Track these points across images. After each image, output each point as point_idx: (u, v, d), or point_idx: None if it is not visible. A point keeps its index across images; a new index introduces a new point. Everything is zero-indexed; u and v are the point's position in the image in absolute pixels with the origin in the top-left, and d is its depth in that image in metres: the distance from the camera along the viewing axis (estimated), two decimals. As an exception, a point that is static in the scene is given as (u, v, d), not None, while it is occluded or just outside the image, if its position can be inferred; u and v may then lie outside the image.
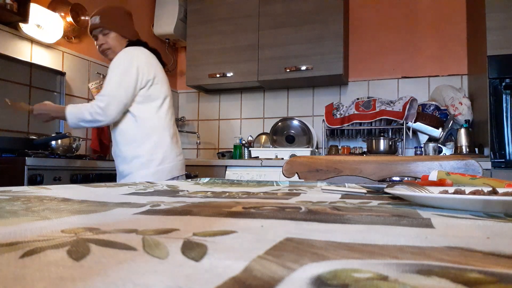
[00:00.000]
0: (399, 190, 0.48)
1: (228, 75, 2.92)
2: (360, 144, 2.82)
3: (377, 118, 2.54)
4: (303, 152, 2.66)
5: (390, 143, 2.51)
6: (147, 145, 1.65)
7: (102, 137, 2.82)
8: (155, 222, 0.30)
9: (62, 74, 2.60)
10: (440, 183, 0.68)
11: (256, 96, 3.22)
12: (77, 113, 1.61)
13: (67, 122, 1.65)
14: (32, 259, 0.18)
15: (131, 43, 1.74)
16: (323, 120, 2.74)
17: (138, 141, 1.65)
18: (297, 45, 2.76)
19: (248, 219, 0.32)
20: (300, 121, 2.85)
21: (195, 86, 3.13)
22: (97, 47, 1.75)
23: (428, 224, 0.31)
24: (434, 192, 0.47)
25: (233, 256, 0.19)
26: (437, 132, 2.50)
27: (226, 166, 2.61)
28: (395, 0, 2.87)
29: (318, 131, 2.90)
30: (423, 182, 0.72)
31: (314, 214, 0.36)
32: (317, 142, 2.90)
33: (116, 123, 1.68)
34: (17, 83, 2.33)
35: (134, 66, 1.61)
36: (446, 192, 0.48)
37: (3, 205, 0.39)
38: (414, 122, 2.51)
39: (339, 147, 2.79)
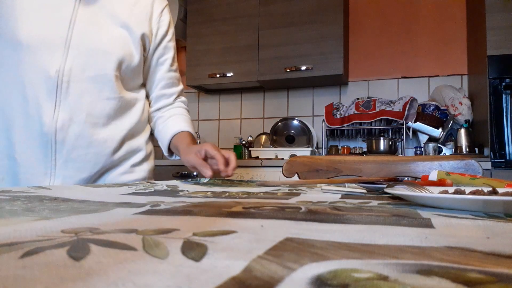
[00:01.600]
0: (399, 190, 0.48)
1: (228, 75, 2.92)
2: (360, 144, 2.82)
3: (377, 118, 2.53)
4: (303, 152, 2.66)
5: (390, 143, 2.51)
6: None
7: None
8: (155, 222, 0.30)
9: (62, 74, 2.60)
10: (440, 183, 0.68)
11: (256, 96, 3.21)
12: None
13: None
14: (32, 259, 0.18)
15: None
16: (323, 120, 2.74)
17: None
18: (297, 45, 2.75)
19: (248, 219, 0.32)
20: (300, 121, 2.85)
21: (195, 86, 3.13)
22: None
23: (428, 224, 0.31)
24: (434, 192, 0.47)
25: (233, 256, 0.19)
26: (437, 132, 2.50)
27: (226, 166, 2.61)
28: (395, 0, 2.87)
29: (318, 131, 2.90)
30: (423, 182, 0.72)
31: (314, 214, 0.36)
32: (317, 142, 2.89)
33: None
34: (17, 83, 2.33)
35: None
36: (446, 192, 0.48)
37: (3, 205, 0.39)
38: (414, 122, 2.51)
39: (339, 147, 2.79)
